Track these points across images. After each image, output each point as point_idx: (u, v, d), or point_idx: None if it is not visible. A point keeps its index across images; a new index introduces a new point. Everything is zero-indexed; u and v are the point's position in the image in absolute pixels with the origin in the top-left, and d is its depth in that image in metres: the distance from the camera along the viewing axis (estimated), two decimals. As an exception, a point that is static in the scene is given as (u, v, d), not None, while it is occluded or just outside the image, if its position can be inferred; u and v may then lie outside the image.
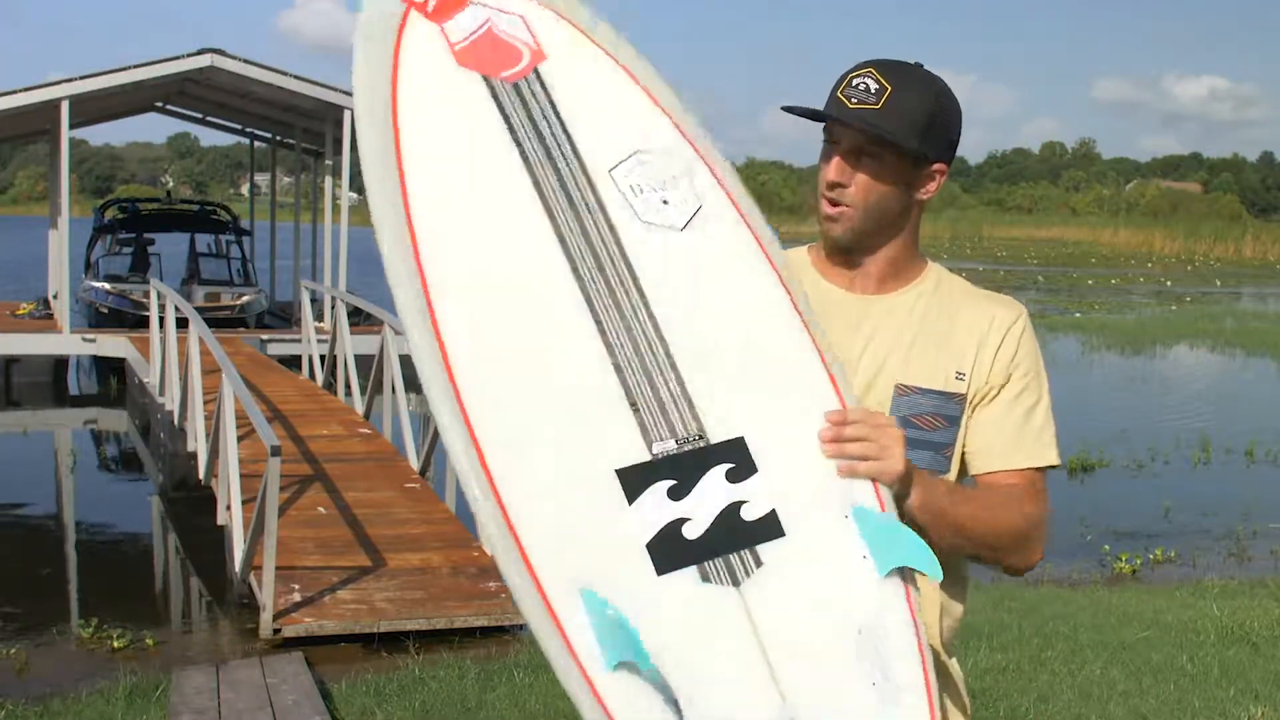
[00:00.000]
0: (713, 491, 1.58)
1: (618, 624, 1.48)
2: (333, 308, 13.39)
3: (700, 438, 1.60)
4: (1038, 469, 1.82)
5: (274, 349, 16.04)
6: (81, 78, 15.52)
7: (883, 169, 1.77)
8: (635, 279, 1.64)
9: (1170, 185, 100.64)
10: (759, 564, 1.58)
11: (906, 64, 1.80)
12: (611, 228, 1.65)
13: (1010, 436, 1.81)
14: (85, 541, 9.34)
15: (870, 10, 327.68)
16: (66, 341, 15.79)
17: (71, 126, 15.77)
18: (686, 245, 1.67)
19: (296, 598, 6.56)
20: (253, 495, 6.81)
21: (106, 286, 17.55)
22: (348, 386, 11.99)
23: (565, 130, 1.66)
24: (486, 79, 1.66)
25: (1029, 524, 1.77)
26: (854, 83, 1.76)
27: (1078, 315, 27.37)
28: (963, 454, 1.84)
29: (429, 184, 1.61)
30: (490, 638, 6.43)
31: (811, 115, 1.78)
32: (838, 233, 1.81)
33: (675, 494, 1.57)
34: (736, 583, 1.56)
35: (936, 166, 1.81)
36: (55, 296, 17.65)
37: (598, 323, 1.61)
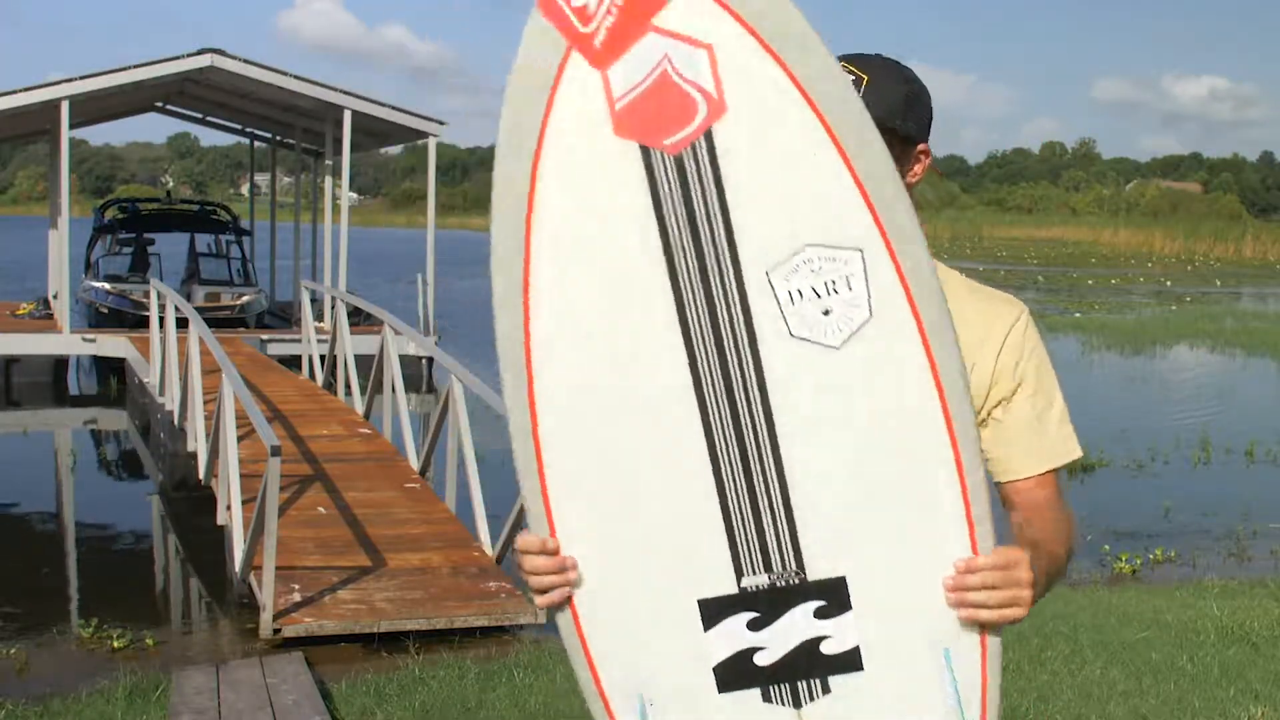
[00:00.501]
0: (796, 627, 1.53)
1: None
2: (333, 308, 13.40)
3: (798, 574, 1.52)
4: (1061, 467, 1.82)
5: (274, 349, 16.05)
6: (81, 78, 15.53)
7: None
8: (765, 401, 1.47)
9: (1170, 185, 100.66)
10: (826, 690, 1.54)
11: (869, 55, 1.81)
12: (753, 342, 1.46)
13: (1032, 441, 1.80)
14: (85, 541, 9.34)
15: (870, 10, 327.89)
16: (66, 341, 15.79)
17: (71, 126, 15.77)
18: (837, 364, 1.47)
19: (296, 598, 6.56)
20: (253, 495, 6.81)
21: (106, 286, 17.56)
22: (348, 386, 12.00)
23: (727, 218, 1.42)
24: (645, 151, 1.42)
25: (1075, 540, 1.79)
26: None
27: (1078, 315, 27.36)
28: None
29: (555, 288, 1.46)
30: (490, 638, 6.43)
31: None
32: None
33: (755, 626, 1.53)
34: (798, 704, 1.55)
35: (921, 148, 1.83)
36: (55, 296, 17.66)
37: (710, 445, 1.49)
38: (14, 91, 15.47)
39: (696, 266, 1.44)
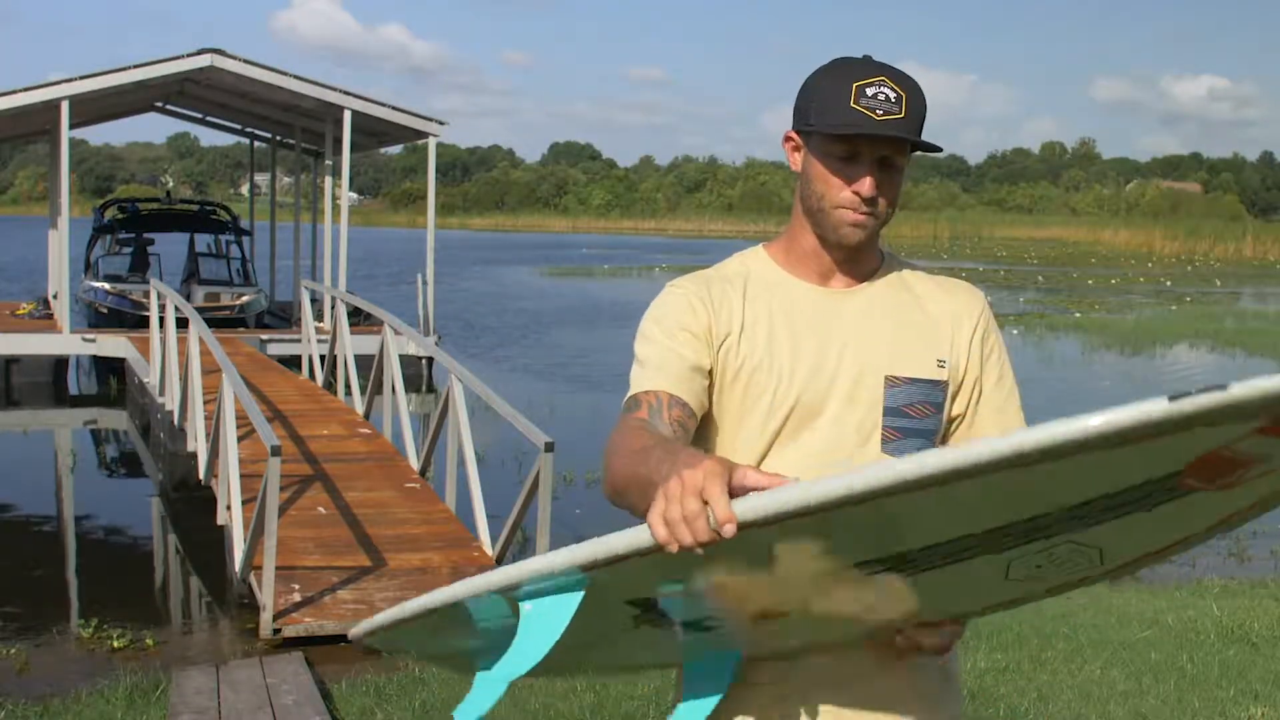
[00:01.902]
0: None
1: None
2: (333, 308, 13.40)
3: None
4: None
5: (274, 349, 16.05)
6: (81, 78, 15.54)
7: (900, 172, 1.79)
8: (947, 564, 1.51)
9: (1170, 185, 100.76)
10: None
11: (892, 67, 1.78)
12: (1000, 549, 1.49)
13: (1007, 426, 1.85)
14: (85, 541, 9.34)
15: (870, 10, 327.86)
16: (66, 341, 15.80)
17: (71, 126, 15.78)
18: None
19: (296, 598, 6.56)
20: (253, 495, 6.81)
21: (106, 286, 17.57)
22: (348, 386, 12.00)
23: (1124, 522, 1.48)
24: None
25: None
26: (870, 93, 1.72)
27: (1078, 315, 27.35)
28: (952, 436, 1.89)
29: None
30: (490, 638, 6.43)
31: (854, 134, 1.73)
32: (859, 239, 1.81)
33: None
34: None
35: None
36: (55, 296, 17.67)
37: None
38: (14, 91, 15.48)
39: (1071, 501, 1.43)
